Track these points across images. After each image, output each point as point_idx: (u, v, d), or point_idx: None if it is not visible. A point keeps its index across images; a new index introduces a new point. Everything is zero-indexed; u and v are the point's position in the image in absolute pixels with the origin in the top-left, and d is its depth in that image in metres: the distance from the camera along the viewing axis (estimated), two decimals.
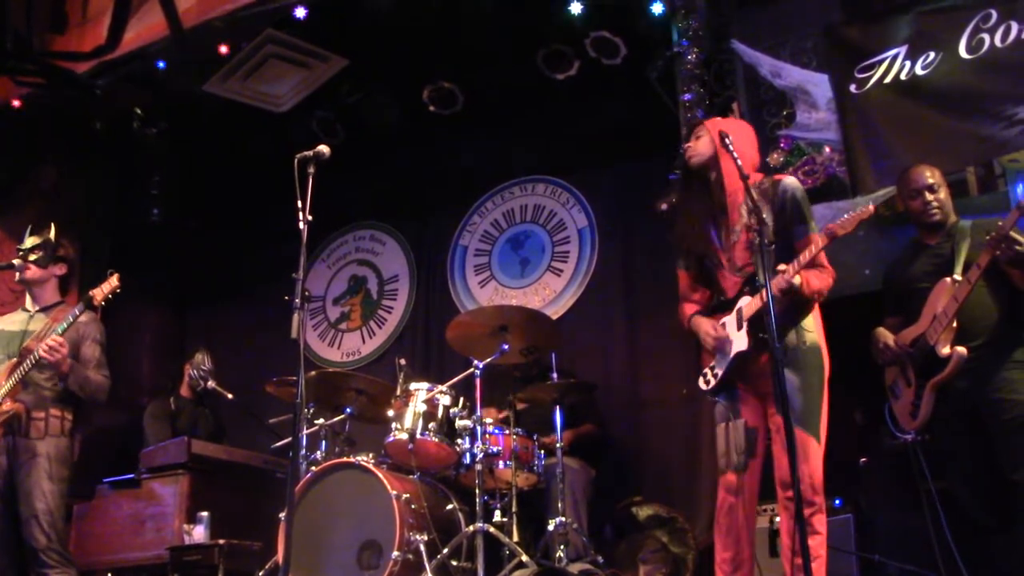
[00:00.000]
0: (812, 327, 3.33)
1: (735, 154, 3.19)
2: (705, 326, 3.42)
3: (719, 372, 3.37)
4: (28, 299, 4.46)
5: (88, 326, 4.35)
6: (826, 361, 3.32)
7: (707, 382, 3.42)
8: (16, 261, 4.40)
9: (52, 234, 4.45)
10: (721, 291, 3.47)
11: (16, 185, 6.38)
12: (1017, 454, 3.32)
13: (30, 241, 4.44)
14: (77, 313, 4.16)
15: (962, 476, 3.52)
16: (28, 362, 4.08)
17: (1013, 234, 3.31)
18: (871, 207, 3.26)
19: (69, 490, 4.28)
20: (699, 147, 3.47)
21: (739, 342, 3.30)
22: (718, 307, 3.47)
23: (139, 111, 6.15)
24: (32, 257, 4.38)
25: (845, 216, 3.24)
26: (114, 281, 4.24)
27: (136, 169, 6.82)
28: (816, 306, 3.37)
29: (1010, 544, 3.36)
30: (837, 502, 4.12)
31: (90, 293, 4.21)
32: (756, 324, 3.25)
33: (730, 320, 3.37)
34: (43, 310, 4.39)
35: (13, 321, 4.40)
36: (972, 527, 3.47)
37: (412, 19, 5.35)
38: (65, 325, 4.11)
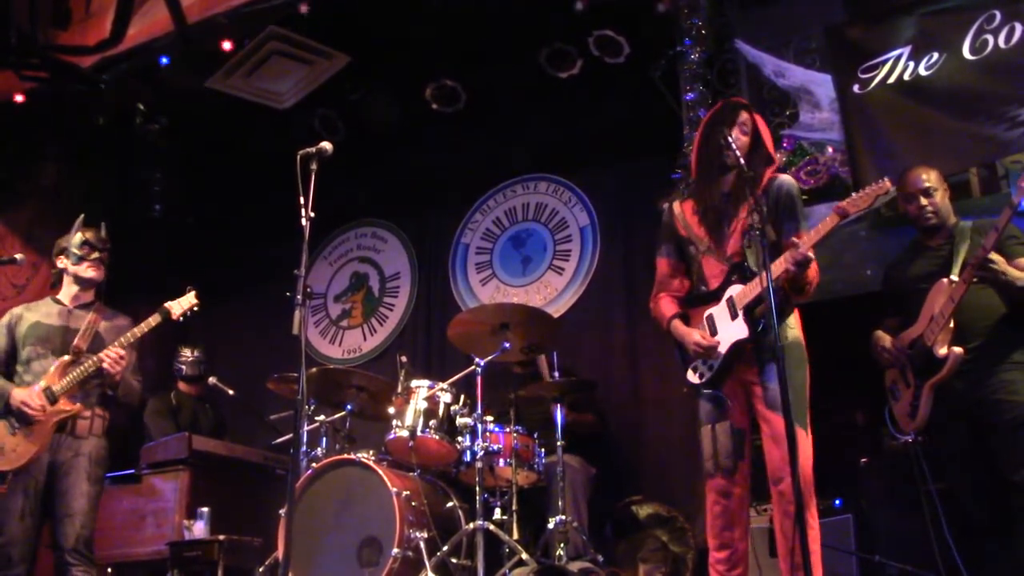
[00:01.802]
0: (794, 324, 3.34)
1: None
2: (689, 335, 3.35)
3: (714, 364, 3.32)
4: (65, 292, 4.30)
5: (128, 329, 4.25)
6: (806, 356, 3.33)
7: (700, 376, 3.36)
8: (19, 256, 4.33)
9: (104, 234, 4.38)
10: (702, 280, 3.41)
11: (17, 180, 6.38)
12: (1016, 455, 3.32)
13: (97, 237, 4.29)
14: (152, 323, 4.13)
15: (961, 477, 3.52)
16: (91, 364, 4.02)
17: (992, 256, 3.32)
18: (887, 183, 3.25)
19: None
20: (745, 142, 3.36)
21: (737, 330, 3.26)
22: (700, 298, 3.40)
23: (141, 107, 6.16)
24: (106, 257, 4.30)
25: (856, 194, 3.23)
26: (192, 298, 4.20)
27: (137, 165, 6.83)
28: (794, 307, 3.37)
29: (1009, 545, 3.36)
30: (837, 502, 4.12)
31: (166, 306, 4.16)
32: (751, 312, 3.23)
33: (718, 311, 3.32)
34: (81, 307, 4.29)
35: (48, 314, 4.25)
36: (971, 528, 3.48)
37: (415, 17, 5.35)
38: (139, 333, 4.08)
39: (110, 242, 4.36)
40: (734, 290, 3.29)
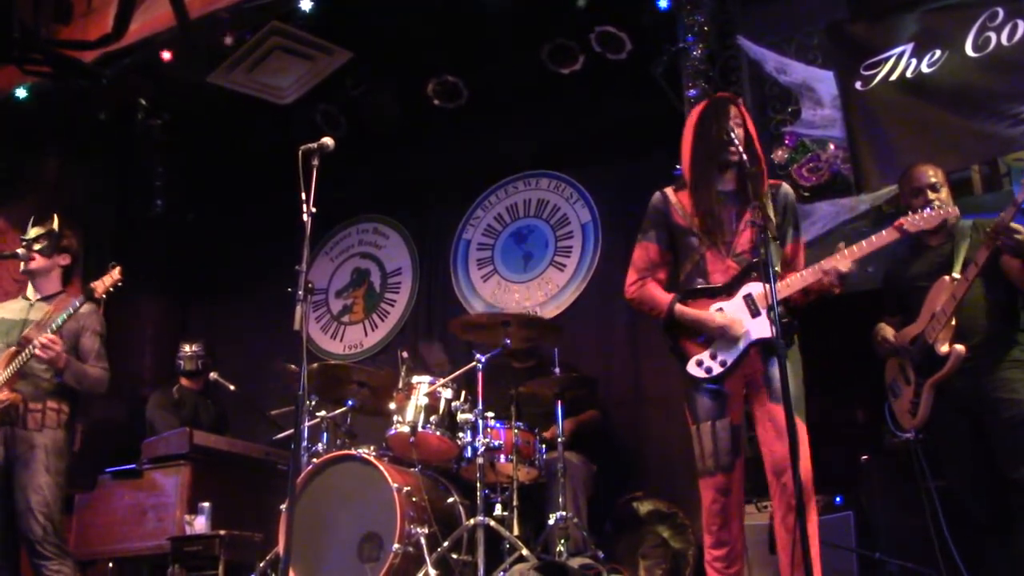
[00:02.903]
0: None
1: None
2: (709, 316, 3.26)
3: (727, 360, 3.23)
4: (30, 288, 4.45)
5: (88, 317, 4.36)
6: (798, 353, 3.33)
7: (707, 370, 3.25)
8: (20, 251, 4.40)
9: (56, 224, 4.46)
10: (703, 273, 3.33)
11: (19, 175, 6.38)
12: (1015, 453, 3.32)
13: (34, 231, 4.44)
14: (77, 305, 4.15)
15: (961, 475, 3.52)
16: (26, 353, 4.08)
17: (1013, 224, 3.30)
18: (956, 209, 3.31)
19: (69, 481, 4.29)
20: (742, 134, 3.33)
21: (760, 328, 3.19)
22: (701, 292, 3.33)
23: (143, 102, 6.16)
24: (37, 247, 4.38)
25: (926, 212, 3.29)
26: (116, 274, 4.24)
27: (139, 160, 6.83)
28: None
29: (1009, 543, 3.37)
30: (838, 499, 4.12)
31: (91, 285, 4.21)
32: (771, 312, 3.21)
33: (731, 306, 3.26)
34: (44, 299, 4.39)
35: (13, 309, 4.38)
36: (971, 525, 3.48)
37: (417, 13, 5.35)
38: (64, 317, 4.11)
39: (57, 231, 4.46)
40: (754, 287, 3.24)
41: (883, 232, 3.27)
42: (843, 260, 3.19)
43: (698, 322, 3.28)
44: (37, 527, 4.01)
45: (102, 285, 4.20)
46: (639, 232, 3.53)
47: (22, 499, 4.05)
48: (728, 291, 3.29)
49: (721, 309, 3.28)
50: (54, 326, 4.09)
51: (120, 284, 4.24)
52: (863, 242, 3.24)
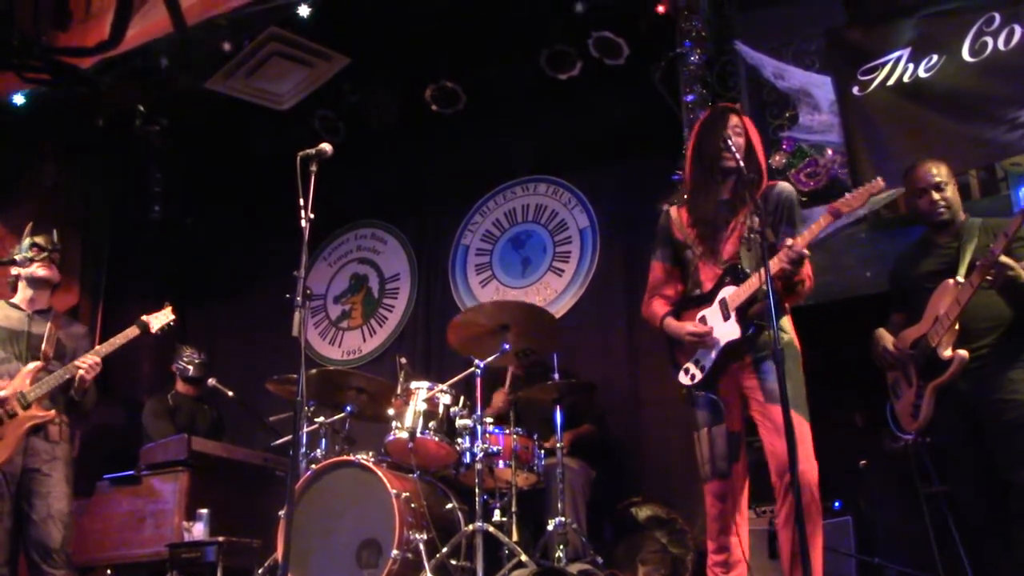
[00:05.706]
0: (788, 328, 3.35)
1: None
2: (683, 327, 3.36)
3: (706, 365, 3.33)
4: (20, 295, 4.38)
5: (83, 339, 4.44)
6: (800, 357, 3.33)
7: (691, 377, 3.36)
8: (18, 257, 4.36)
9: (56, 238, 4.44)
10: (697, 283, 3.42)
11: (17, 181, 6.38)
12: (1016, 455, 3.31)
13: (46, 240, 4.40)
14: (130, 335, 4.20)
15: (961, 477, 3.52)
16: (63, 373, 4.10)
17: (1003, 259, 3.30)
18: (880, 181, 3.26)
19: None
20: (741, 143, 3.35)
21: (729, 331, 3.27)
22: (694, 300, 3.42)
23: (141, 108, 6.16)
24: (37, 256, 4.35)
25: (849, 194, 3.25)
26: (170, 314, 4.29)
27: (137, 166, 6.83)
28: (788, 311, 3.38)
29: (1008, 546, 3.36)
30: (837, 504, 4.12)
31: (145, 320, 4.26)
32: (744, 313, 3.25)
33: (711, 312, 3.34)
34: (39, 313, 4.35)
35: (8, 318, 4.32)
36: (971, 529, 3.48)
37: (415, 18, 5.36)
38: (117, 344, 4.18)
39: (60, 245, 4.48)
40: (727, 291, 3.31)
41: (819, 219, 3.25)
42: (793, 247, 3.16)
43: (677, 335, 3.40)
44: (57, 534, 4.04)
45: (158, 323, 4.29)
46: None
47: (43, 507, 4.07)
48: (710, 298, 3.36)
49: (704, 317, 3.36)
50: (102, 350, 4.15)
51: (172, 325, 4.33)
52: (805, 231, 3.22)
